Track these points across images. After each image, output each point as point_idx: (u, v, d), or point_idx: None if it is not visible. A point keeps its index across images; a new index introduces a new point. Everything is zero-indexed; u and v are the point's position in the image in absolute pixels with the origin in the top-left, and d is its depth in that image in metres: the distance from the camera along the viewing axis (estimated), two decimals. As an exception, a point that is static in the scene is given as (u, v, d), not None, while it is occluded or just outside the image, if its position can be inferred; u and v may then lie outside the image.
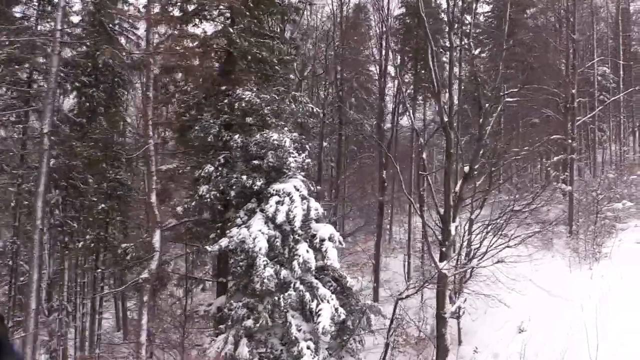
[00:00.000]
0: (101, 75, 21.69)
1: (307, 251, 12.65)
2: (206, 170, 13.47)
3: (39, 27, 20.31)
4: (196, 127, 13.66)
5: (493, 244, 21.72)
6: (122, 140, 18.26)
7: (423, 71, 27.33)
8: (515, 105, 36.13)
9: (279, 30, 23.23)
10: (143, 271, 12.93)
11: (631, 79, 41.34)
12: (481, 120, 17.67)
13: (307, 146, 14.90)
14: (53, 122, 19.69)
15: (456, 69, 32.37)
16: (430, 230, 19.53)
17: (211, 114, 14.67)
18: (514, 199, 23.27)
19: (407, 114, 18.80)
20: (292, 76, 15.85)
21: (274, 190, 12.76)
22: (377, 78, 30.03)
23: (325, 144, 31.60)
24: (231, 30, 13.84)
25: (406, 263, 22.80)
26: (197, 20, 15.73)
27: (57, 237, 19.18)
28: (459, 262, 23.17)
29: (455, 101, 29.90)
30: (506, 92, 17.90)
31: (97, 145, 16.38)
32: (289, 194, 12.66)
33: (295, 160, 12.73)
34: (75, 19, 21.47)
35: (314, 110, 14.11)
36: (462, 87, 26.73)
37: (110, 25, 22.62)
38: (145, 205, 12.98)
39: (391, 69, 24.78)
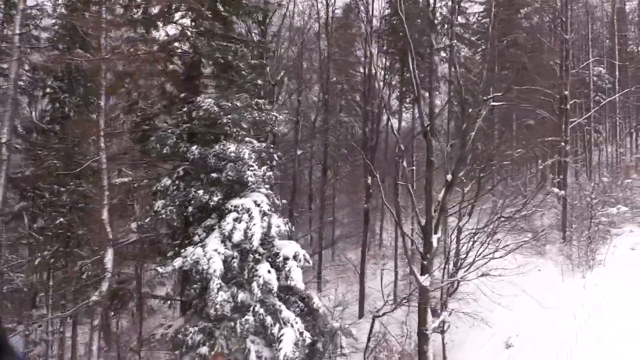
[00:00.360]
0: (74, 80, 20.58)
1: (269, 271, 11.54)
2: (163, 184, 12.35)
3: (5, 32, 19.29)
4: (152, 138, 12.56)
5: (480, 253, 20.57)
6: (87, 149, 17.14)
7: (409, 74, 26.18)
8: (507, 107, 35.02)
9: (260, 31, 22.15)
10: (95, 292, 11.82)
11: (627, 79, 40.06)
12: (464, 125, 16.50)
13: (275, 156, 13.78)
14: (16, 130, 18.64)
15: (444, 71, 31.30)
16: (413, 242, 18.35)
17: (173, 123, 13.57)
18: (503, 205, 22.11)
19: (389, 120, 17.61)
20: (260, 82, 14.72)
21: (232, 206, 11.63)
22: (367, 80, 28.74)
23: (308, 150, 30.49)
24: (188, 33, 12.72)
25: (382, 278, 21.33)
26: (160, 23, 14.62)
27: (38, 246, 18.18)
28: (446, 272, 22.03)
29: (441, 104, 28.81)
30: (490, 97, 16.69)
31: (59, 154, 15.28)
32: (248, 210, 11.53)
33: (255, 174, 11.58)
34: (48, 21, 20.48)
35: (277, 118, 13.00)
36: (452, 89, 25.61)
37: (83, 29, 21.49)
38: (96, 222, 11.91)
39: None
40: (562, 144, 29.18)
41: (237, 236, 11.23)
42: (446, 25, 30.11)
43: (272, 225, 11.62)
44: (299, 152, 17.89)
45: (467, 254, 20.25)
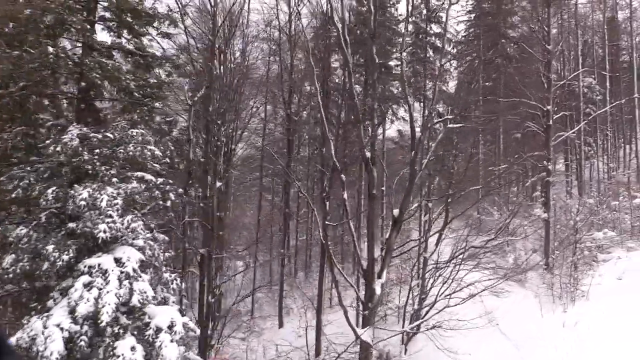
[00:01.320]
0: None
1: (133, 348, 8.78)
2: (15, 235, 9.69)
3: None
4: (2, 178, 9.93)
5: (442, 293, 17.70)
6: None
7: (381, 87, 23.45)
8: (493, 119, 32.15)
9: (209, 44, 19.47)
10: None
11: (620, 90, 36.95)
12: (413, 152, 13.65)
13: (171, 194, 11.05)
14: None
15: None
16: (352, 285, 15.50)
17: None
18: (468, 235, 19.16)
19: (328, 142, 14.83)
20: (158, 104, 12.08)
21: (85, 266, 8.91)
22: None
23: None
24: (50, 49, 10.05)
25: (307, 333, 17.92)
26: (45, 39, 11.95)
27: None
28: (409, 310, 19.19)
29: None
30: (443, 119, 13.83)
31: None
32: (104, 273, 8.79)
33: (110, 227, 8.87)
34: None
35: (155, 153, 10.32)
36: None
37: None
38: None
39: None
40: (545, 162, 26.18)
41: (84, 308, 8.49)
42: (421, 35, 27.33)
43: (134, 291, 8.86)
44: (218, 184, 15.05)
45: (426, 294, 17.42)
